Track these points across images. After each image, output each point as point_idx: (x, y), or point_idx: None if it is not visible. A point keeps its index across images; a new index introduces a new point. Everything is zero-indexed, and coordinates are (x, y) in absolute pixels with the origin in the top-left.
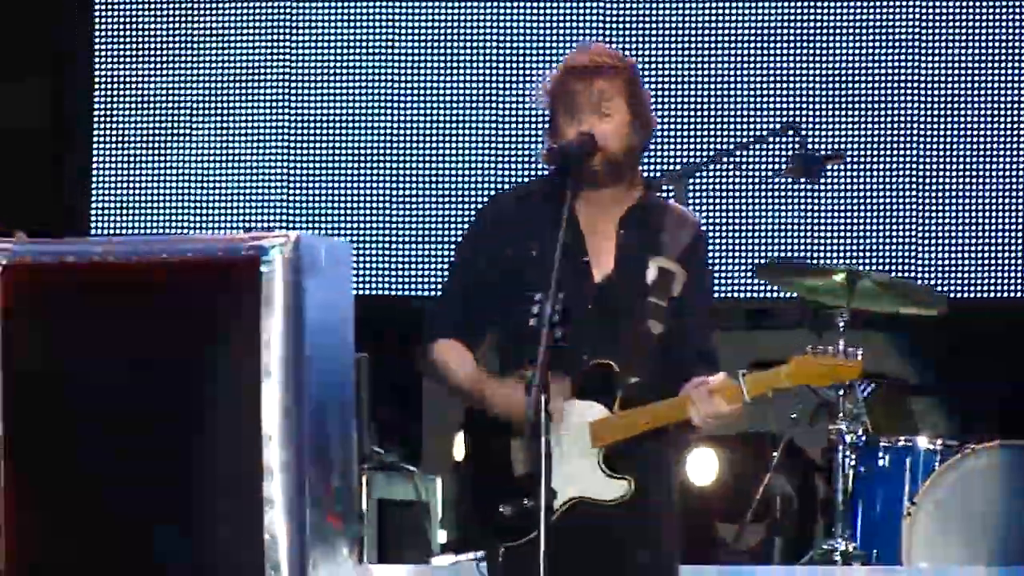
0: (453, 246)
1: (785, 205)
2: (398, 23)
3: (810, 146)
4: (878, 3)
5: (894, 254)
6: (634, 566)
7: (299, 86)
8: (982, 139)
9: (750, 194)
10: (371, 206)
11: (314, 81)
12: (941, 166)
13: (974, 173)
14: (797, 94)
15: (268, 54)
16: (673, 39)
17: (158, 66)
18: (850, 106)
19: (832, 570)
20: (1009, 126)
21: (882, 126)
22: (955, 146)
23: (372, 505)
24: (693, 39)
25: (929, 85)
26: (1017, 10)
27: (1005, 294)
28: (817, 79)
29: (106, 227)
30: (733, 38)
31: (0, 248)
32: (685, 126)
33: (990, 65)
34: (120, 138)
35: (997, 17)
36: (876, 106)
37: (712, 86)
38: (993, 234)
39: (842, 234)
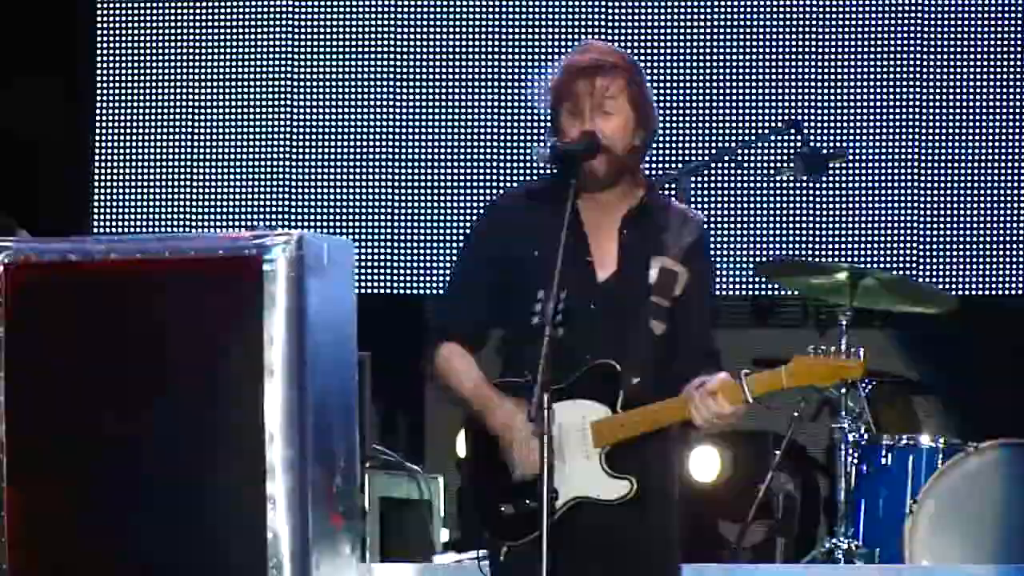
0: (456, 245)
1: (788, 203)
2: (402, 20)
3: (812, 143)
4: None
5: (896, 252)
6: (636, 566)
7: (302, 84)
8: (988, 134)
9: (753, 192)
10: (373, 205)
11: (317, 79)
12: (942, 163)
13: (974, 172)
14: (800, 91)
15: (271, 52)
16: (675, 37)
17: (160, 65)
18: (854, 103)
19: (835, 569)
20: (1017, 121)
21: (885, 123)
22: (958, 142)
23: (374, 503)
24: (695, 37)
25: (933, 81)
26: None
27: (1009, 292)
28: (820, 76)
29: (108, 226)
30: (735, 36)
31: (2, 247)
32: (687, 124)
33: (996, 60)
34: (122, 137)
35: (1008, 11)
36: (880, 102)
37: (714, 84)
38: (997, 232)
39: (845, 232)
